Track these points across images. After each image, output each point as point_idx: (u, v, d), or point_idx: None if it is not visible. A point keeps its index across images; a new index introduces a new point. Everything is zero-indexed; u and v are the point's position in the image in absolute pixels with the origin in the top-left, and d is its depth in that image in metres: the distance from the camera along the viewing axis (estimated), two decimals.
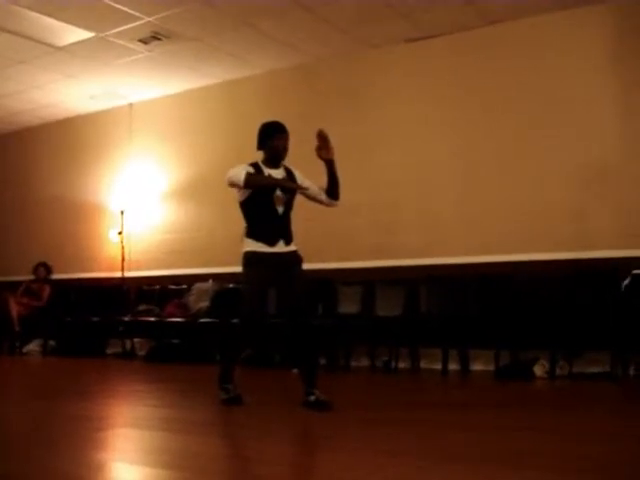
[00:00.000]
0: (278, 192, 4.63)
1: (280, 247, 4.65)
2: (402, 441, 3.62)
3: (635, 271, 6.11)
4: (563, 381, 6.00)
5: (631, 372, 5.95)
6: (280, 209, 4.67)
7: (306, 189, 4.70)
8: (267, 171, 4.67)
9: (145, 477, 3.05)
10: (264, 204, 4.66)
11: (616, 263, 6.31)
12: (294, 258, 4.68)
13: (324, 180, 4.74)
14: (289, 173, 4.75)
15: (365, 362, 7.26)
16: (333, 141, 8.00)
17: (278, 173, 4.69)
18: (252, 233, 4.71)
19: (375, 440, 3.65)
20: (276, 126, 4.72)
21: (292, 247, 4.70)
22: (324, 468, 3.10)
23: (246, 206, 4.74)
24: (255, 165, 4.69)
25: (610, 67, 6.68)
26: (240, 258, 4.76)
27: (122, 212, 9.57)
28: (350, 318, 7.24)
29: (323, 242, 7.81)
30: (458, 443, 3.53)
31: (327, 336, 7.15)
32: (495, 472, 2.92)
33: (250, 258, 4.68)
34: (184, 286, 8.79)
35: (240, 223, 8.84)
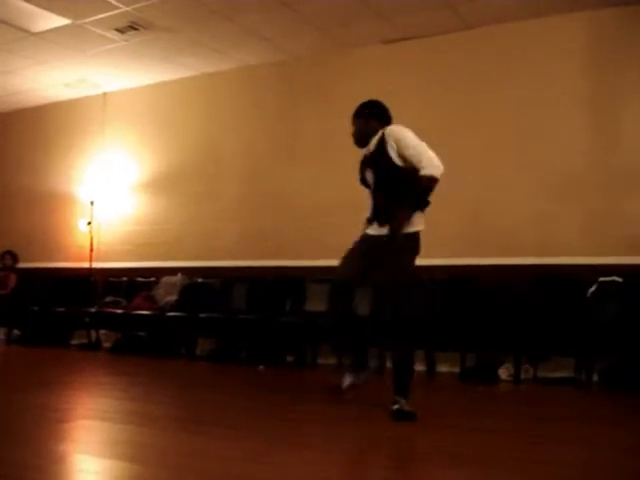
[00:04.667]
0: (367, 170, 4.40)
1: (375, 229, 4.40)
2: (359, 440, 3.64)
3: (601, 278, 6.17)
4: (527, 385, 6.05)
5: (594, 378, 6.01)
6: (372, 186, 4.44)
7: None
8: (366, 150, 4.44)
9: (106, 469, 3.02)
10: (367, 187, 4.57)
11: (583, 270, 6.37)
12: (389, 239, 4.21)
13: None
14: (378, 143, 4.31)
15: (332, 360, 7.26)
16: (306, 138, 8.04)
17: (369, 148, 4.41)
18: None
19: (334, 439, 3.66)
20: None
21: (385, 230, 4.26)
22: (282, 465, 3.09)
23: None
24: None
25: (582, 76, 6.75)
26: None
27: (92, 202, 9.47)
28: (318, 316, 7.22)
29: (294, 239, 7.81)
30: (414, 442, 3.55)
31: (294, 333, 7.17)
32: (444, 472, 2.94)
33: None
34: (152, 279, 8.73)
35: (210, 218, 8.86)
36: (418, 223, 4.29)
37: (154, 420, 4.14)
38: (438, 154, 7.22)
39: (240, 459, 3.17)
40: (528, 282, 6.53)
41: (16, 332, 9.42)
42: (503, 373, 6.24)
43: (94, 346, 8.79)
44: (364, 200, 7.56)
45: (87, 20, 7.21)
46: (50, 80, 9.25)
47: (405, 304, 4.12)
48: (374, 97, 7.84)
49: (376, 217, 4.36)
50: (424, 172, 4.12)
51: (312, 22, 7.20)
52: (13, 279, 9.72)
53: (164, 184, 9.15)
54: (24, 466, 2.93)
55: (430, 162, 4.15)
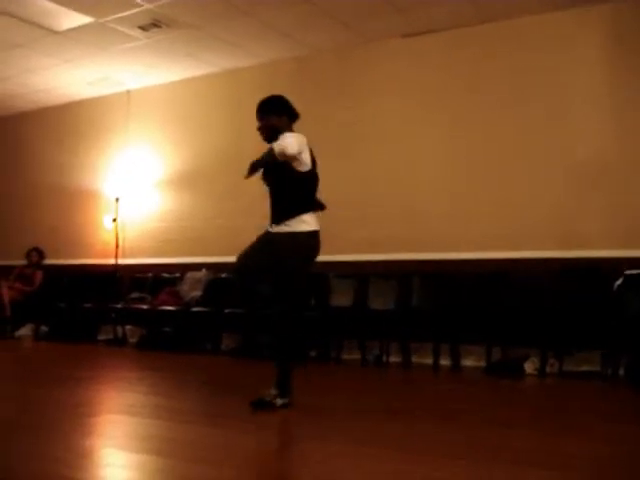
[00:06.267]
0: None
1: (272, 227, 4.45)
2: (384, 435, 3.64)
3: (628, 271, 6.12)
4: (553, 379, 6.02)
5: (621, 372, 5.96)
6: (266, 189, 4.54)
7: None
8: None
9: (133, 463, 3.05)
10: None
11: (609, 263, 6.32)
12: (275, 240, 4.38)
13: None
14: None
15: (356, 355, 7.27)
16: (329, 133, 8.03)
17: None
18: None
19: (357, 433, 3.67)
20: None
21: (278, 228, 4.37)
22: (305, 458, 3.11)
23: None
24: None
25: (605, 67, 6.69)
26: None
27: (117, 199, 9.55)
28: (342, 311, 7.24)
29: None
30: (441, 438, 3.55)
31: (319, 328, 7.17)
32: (473, 467, 2.94)
33: None
34: (177, 275, 8.78)
35: (234, 214, 8.88)
36: (299, 224, 4.34)
37: (180, 414, 4.17)
38: (460, 145, 7.27)
39: (263, 452, 3.19)
40: (553, 275, 6.49)
41: (43, 328, 9.53)
42: (529, 367, 6.21)
43: (120, 341, 8.87)
44: (386, 194, 7.60)
45: (110, 18, 7.26)
46: (74, 78, 9.32)
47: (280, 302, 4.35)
48: (395, 92, 7.87)
49: (271, 217, 4.47)
50: (271, 145, 4.24)
51: (332, 16, 7.19)
52: (40, 276, 9.83)
53: (188, 181, 9.19)
54: (53, 460, 2.97)
55: (281, 140, 4.21)
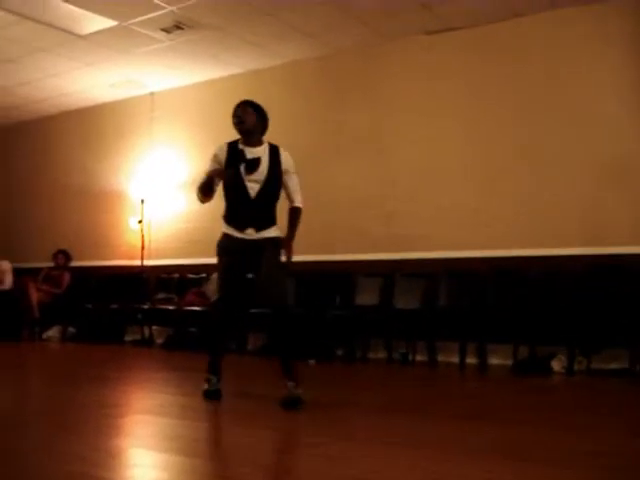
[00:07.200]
0: (252, 175, 4.53)
1: (250, 234, 4.56)
2: (408, 432, 3.63)
3: None
4: (580, 377, 5.96)
5: None
6: (252, 193, 4.55)
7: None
8: (243, 148, 4.62)
9: (161, 463, 3.07)
10: (237, 187, 4.61)
11: (636, 260, 6.26)
12: (266, 244, 4.55)
13: None
14: (271, 153, 4.57)
15: (382, 354, 7.25)
16: (353, 132, 8.02)
17: (254, 152, 4.57)
18: (226, 216, 4.74)
19: (385, 431, 3.66)
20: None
21: (266, 233, 4.56)
22: (334, 458, 3.10)
23: (225, 189, 4.75)
24: (232, 144, 4.72)
25: (629, 60, 6.60)
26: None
27: (142, 201, 9.60)
28: (368, 310, 7.23)
29: (343, 234, 7.80)
30: (468, 435, 3.53)
31: (344, 327, 7.17)
32: (500, 464, 2.93)
33: (222, 242, 4.74)
34: (203, 275, 8.81)
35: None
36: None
37: (207, 414, 4.19)
38: (484, 144, 7.23)
39: (288, 452, 3.19)
40: (581, 273, 6.43)
41: (71, 330, 9.61)
42: (556, 365, 6.16)
43: (147, 342, 8.93)
44: (412, 194, 7.57)
45: (133, 21, 7.30)
46: (98, 81, 9.38)
47: (287, 296, 4.86)
48: (419, 90, 7.82)
49: (253, 223, 4.59)
50: (297, 205, 4.67)
51: (354, 16, 7.17)
52: (67, 277, 9.91)
53: None
54: (80, 459, 2.99)
55: (301, 198, 4.69)
